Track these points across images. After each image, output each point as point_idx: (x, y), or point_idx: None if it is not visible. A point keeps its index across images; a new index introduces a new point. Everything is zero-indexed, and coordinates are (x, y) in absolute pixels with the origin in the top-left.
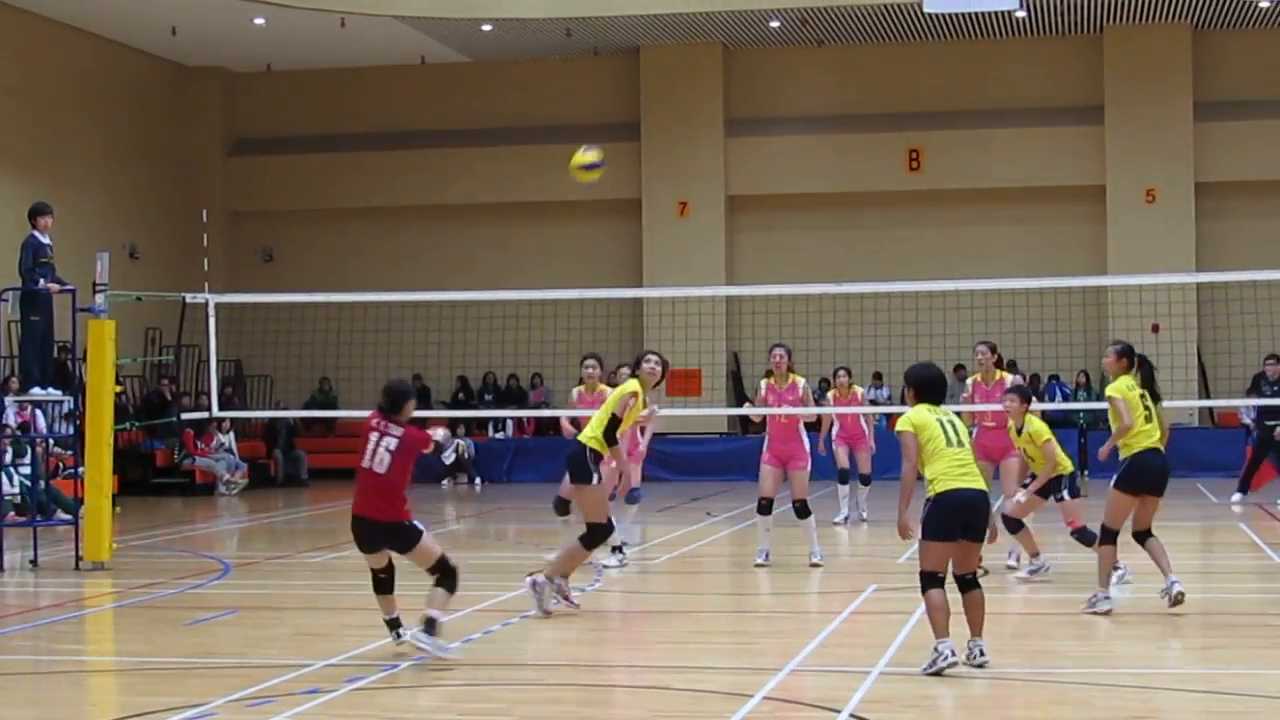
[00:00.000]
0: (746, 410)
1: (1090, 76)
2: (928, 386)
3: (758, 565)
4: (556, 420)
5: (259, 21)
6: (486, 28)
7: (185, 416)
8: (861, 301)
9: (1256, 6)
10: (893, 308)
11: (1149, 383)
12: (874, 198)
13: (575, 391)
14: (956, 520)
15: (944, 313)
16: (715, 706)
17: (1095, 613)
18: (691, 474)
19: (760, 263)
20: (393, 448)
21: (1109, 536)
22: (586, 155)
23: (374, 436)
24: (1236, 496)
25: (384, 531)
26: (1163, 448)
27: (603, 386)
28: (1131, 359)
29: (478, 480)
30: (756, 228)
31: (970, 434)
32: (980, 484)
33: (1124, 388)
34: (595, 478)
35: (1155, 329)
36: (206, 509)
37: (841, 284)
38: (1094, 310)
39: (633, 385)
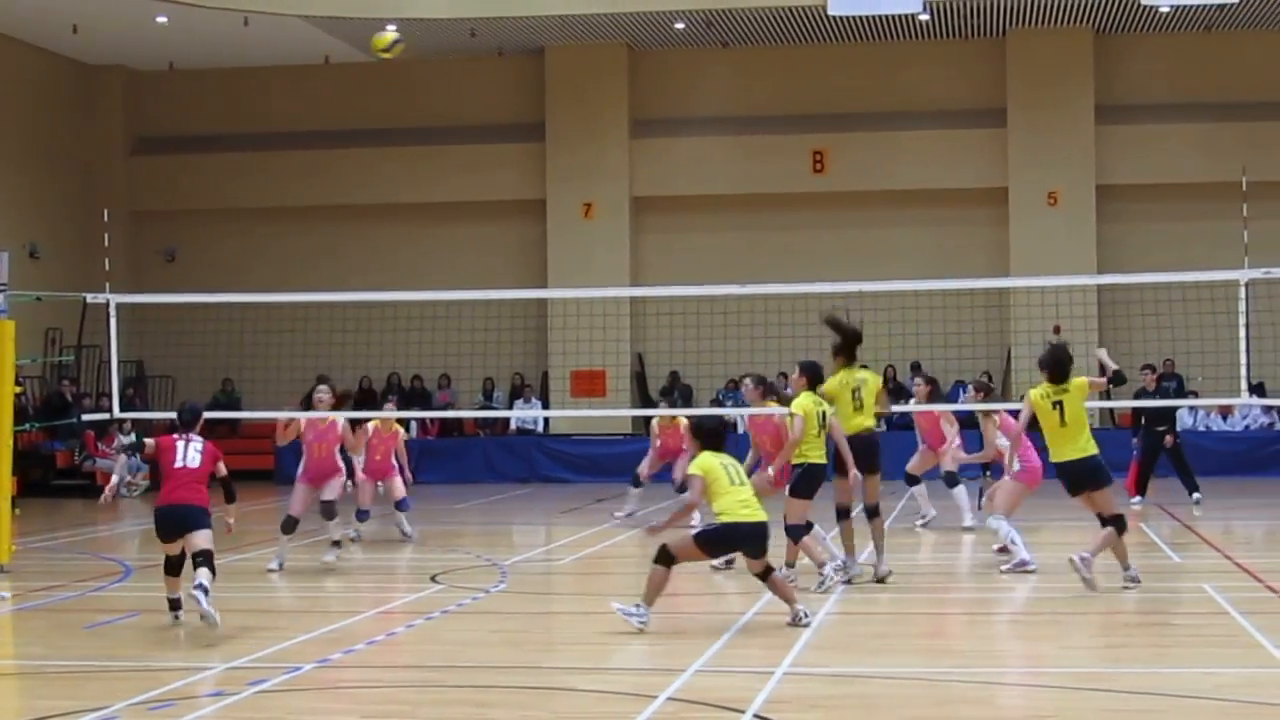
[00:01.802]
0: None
1: (993, 80)
2: (710, 435)
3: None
4: (460, 422)
5: (161, 20)
6: (391, 28)
7: (86, 418)
8: (765, 303)
9: (1157, 11)
10: (796, 309)
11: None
12: (778, 199)
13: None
14: (733, 544)
15: (847, 314)
16: (620, 707)
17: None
18: (596, 475)
19: (665, 264)
20: (200, 449)
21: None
22: (385, 37)
23: (180, 444)
24: (1136, 499)
25: (183, 515)
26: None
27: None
28: (813, 376)
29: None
30: (661, 229)
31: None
32: (759, 516)
33: (808, 402)
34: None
35: (1057, 330)
36: (108, 511)
37: (745, 285)
38: (997, 312)
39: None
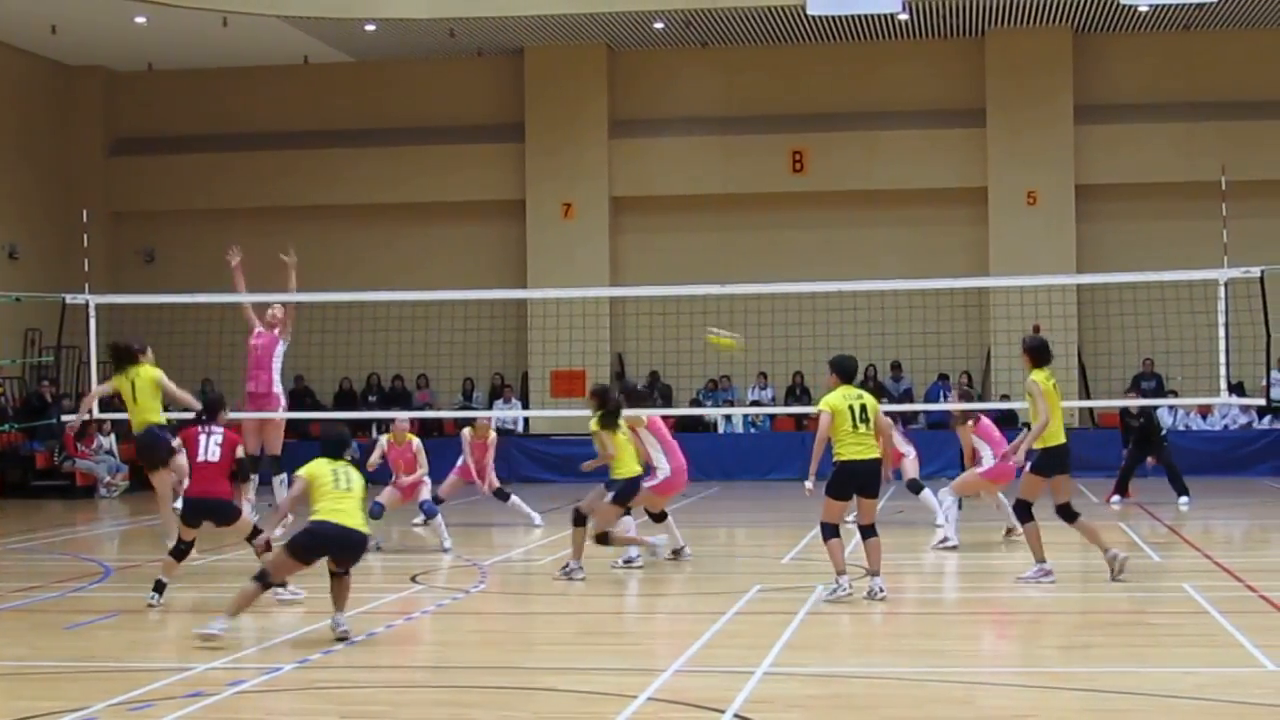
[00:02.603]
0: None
1: (972, 79)
2: (330, 444)
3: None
4: (440, 422)
5: (140, 20)
6: (370, 28)
7: (65, 418)
8: (745, 303)
9: (1136, 11)
10: (776, 309)
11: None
12: (758, 199)
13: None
14: (321, 548)
15: (827, 314)
16: (599, 708)
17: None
18: (575, 475)
19: (644, 264)
20: (220, 442)
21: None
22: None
23: (202, 438)
24: (1115, 499)
25: (210, 507)
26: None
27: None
28: (843, 372)
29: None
30: (640, 229)
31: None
32: (352, 523)
33: (837, 398)
34: None
35: (1036, 330)
36: (87, 511)
37: (725, 285)
38: (976, 312)
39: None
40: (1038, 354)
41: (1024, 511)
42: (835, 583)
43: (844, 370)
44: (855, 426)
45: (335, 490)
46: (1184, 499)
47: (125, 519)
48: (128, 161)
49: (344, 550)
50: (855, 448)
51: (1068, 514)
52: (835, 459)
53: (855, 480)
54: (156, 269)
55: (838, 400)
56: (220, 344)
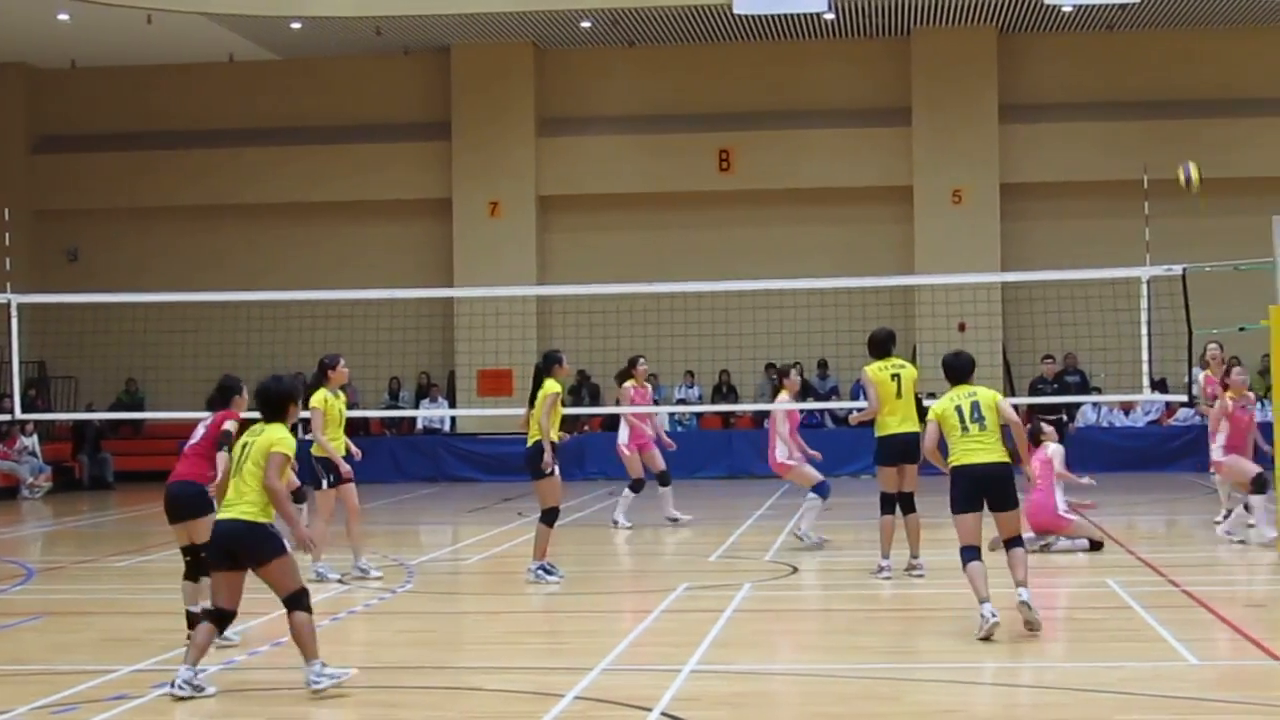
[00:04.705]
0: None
1: (898, 78)
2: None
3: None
4: (366, 421)
5: (63, 17)
6: (295, 25)
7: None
8: (672, 301)
9: (1060, 11)
10: (703, 307)
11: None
12: (684, 198)
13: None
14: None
15: (754, 312)
16: (526, 707)
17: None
18: (502, 474)
19: (572, 263)
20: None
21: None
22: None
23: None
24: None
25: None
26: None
27: None
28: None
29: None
30: (568, 228)
31: None
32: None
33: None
34: None
35: (962, 328)
36: (9, 513)
37: (652, 284)
38: (902, 310)
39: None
40: (875, 346)
41: (883, 504)
42: (981, 615)
43: (952, 370)
44: (966, 429)
45: (234, 479)
46: None
47: (49, 520)
48: (51, 159)
49: (236, 548)
50: (968, 452)
51: (905, 504)
52: (950, 467)
53: (975, 487)
54: (80, 268)
55: (944, 405)
56: (145, 343)
